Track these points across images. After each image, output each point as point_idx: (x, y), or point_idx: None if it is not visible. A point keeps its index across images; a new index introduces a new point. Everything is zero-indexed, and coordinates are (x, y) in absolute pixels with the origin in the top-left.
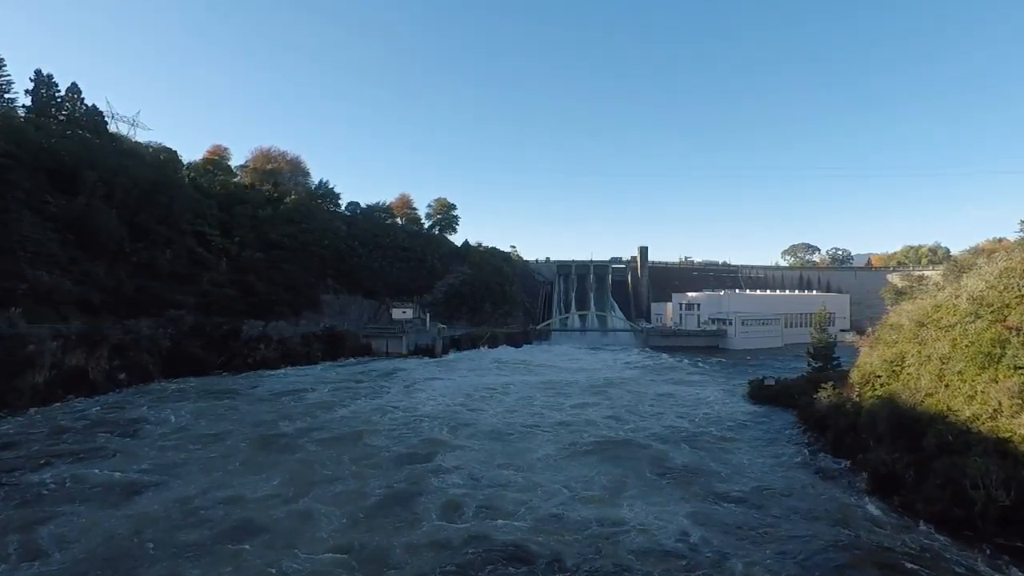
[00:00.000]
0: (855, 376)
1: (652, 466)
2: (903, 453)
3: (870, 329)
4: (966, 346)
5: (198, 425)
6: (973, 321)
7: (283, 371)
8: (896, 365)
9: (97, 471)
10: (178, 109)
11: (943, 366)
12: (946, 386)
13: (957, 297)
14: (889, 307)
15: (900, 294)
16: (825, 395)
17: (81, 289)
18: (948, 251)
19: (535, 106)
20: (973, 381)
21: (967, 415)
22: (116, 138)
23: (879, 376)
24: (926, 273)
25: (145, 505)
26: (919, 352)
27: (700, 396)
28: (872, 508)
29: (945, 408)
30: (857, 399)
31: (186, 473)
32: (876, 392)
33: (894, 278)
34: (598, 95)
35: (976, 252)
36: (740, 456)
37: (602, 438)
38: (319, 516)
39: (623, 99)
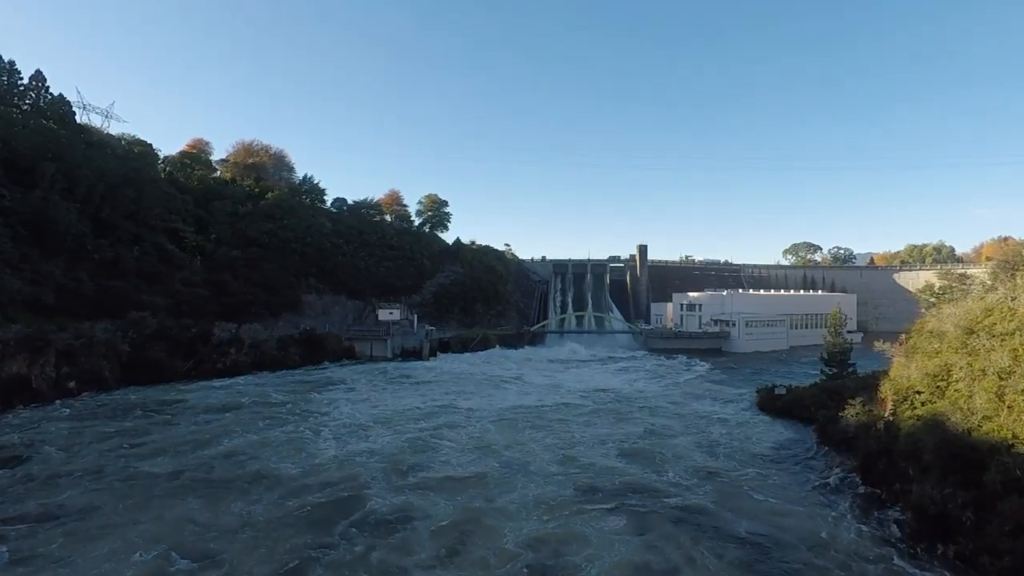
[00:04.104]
0: (887, 390)
1: (695, 538)
2: (956, 489)
3: (903, 336)
4: None
5: (83, 457)
6: None
7: (253, 377)
8: (940, 380)
9: None
10: (163, 104)
11: (1002, 383)
12: (1008, 407)
13: (1014, 299)
14: (923, 309)
15: (937, 295)
16: (852, 412)
17: (33, 289)
18: (953, 250)
19: (531, 104)
20: None
21: None
22: (85, 129)
23: (920, 393)
24: (970, 271)
25: None
26: (969, 365)
27: (715, 414)
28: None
29: (1010, 435)
30: (891, 418)
31: (14, 544)
32: (916, 412)
33: (930, 276)
34: (596, 92)
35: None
36: (795, 513)
37: (614, 487)
38: None
39: (622, 96)
